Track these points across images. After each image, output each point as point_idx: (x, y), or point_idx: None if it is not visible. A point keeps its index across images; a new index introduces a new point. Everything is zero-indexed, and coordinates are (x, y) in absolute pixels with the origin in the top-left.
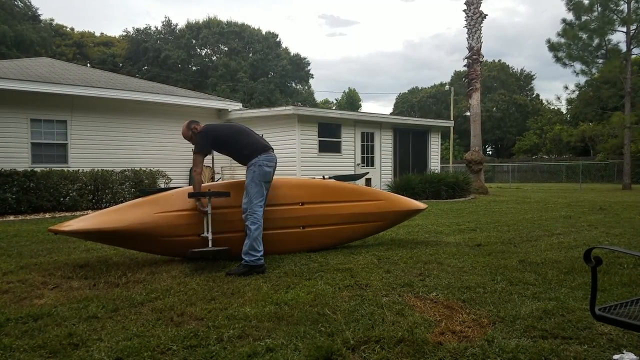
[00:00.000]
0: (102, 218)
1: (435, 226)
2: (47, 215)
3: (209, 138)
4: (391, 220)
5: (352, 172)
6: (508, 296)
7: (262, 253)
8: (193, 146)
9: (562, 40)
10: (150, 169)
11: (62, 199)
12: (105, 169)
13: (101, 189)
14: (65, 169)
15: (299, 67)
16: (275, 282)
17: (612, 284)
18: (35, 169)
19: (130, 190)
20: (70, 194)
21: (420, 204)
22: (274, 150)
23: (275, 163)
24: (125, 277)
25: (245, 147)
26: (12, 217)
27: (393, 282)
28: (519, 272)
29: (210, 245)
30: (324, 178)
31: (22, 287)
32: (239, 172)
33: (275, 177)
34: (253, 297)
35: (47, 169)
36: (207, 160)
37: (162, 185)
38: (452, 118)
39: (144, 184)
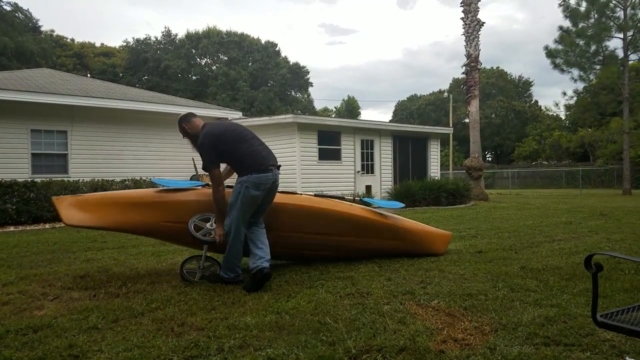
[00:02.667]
0: (107, 215)
1: None
2: (47, 226)
3: (211, 146)
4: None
5: (352, 180)
6: (510, 303)
7: (237, 274)
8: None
9: (560, 47)
10: (150, 179)
11: None
12: (105, 178)
13: None
14: (66, 179)
15: (298, 76)
16: (275, 290)
17: (613, 290)
18: (36, 180)
19: None
20: None
21: (441, 247)
22: (278, 167)
23: (272, 184)
24: (125, 287)
25: (245, 156)
26: (12, 228)
27: (394, 290)
28: (520, 279)
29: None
30: (343, 198)
31: (22, 298)
32: None
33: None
34: (254, 306)
35: (48, 179)
36: None
37: None
38: (451, 125)
39: None
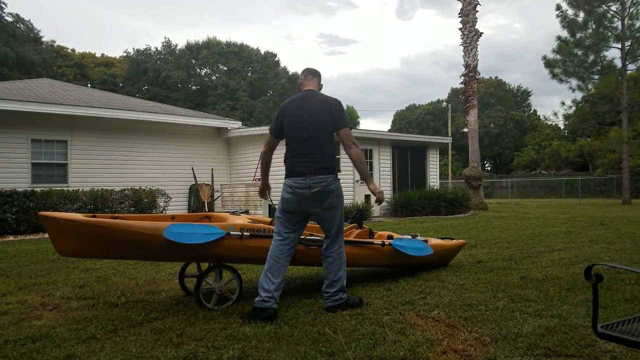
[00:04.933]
0: (110, 250)
1: None
2: (46, 235)
3: (277, 114)
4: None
5: (352, 189)
6: (510, 313)
7: (264, 295)
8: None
9: (558, 56)
10: (149, 188)
11: None
12: (105, 188)
13: (100, 208)
14: (65, 189)
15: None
16: None
17: (614, 301)
18: (35, 189)
19: (129, 210)
20: None
21: (453, 257)
22: (311, 175)
23: (301, 188)
24: (124, 297)
25: (285, 154)
26: (11, 238)
27: (394, 300)
28: (520, 289)
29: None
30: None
31: (20, 308)
32: (239, 190)
33: None
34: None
35: (47, 188)
36: (207, 177)
37: (161, 204)
38: (449, 134)
39: (143, 202)
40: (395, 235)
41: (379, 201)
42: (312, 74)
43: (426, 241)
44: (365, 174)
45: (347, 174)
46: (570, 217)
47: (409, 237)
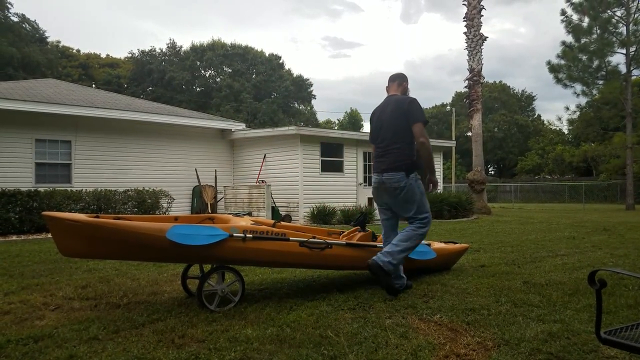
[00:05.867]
0: (113, 250)
1: None
2: (49, 235)
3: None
4: None
5: (355, 192)
6: (513, 318)
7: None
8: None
9: (562, 61)
10: (153, 189)
11: None
12: (108, 188)
13: (104, 209)
14: (69, 189)
15: (301, 88)
16: (277, 303)
17: (617, 306)
18: (39, 189)
19: (132, 210)
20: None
21: (456, 261)
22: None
23: (377, 184)
24: (126, 298)
25: (373, 155)
26: (14, 237)
27: (396, 303)
28: (523, 294)
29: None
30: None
31: (23, 307)
32: (242, 192)
33: None
34: (255, 318)
35: (51, 188)
36: (210, 179)
37: (165, 205)
38: (453, 138)
39: (146, 203)
40: None
41: (431, 188)
42: (392, 79)
43: (429, 245)
44: (428, 167)
45: (349, 177)
46: (574, 222)
47: None
